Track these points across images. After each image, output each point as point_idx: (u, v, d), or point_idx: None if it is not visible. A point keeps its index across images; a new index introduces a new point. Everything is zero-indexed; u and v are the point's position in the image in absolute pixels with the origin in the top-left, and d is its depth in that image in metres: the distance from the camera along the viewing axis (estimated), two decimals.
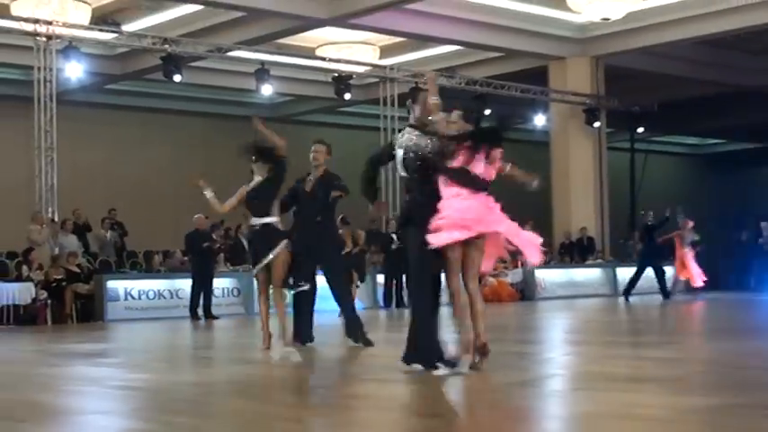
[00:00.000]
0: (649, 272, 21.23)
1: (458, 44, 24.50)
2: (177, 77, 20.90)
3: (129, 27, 21.88)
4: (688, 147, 41.13)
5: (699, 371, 7.89)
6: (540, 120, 27.61)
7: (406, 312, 19.63)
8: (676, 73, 27.54)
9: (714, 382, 7.06)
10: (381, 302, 21.81)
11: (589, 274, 25.80)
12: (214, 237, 20.25)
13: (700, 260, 22.19)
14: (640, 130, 28.92)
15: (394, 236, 21.59)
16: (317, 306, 11.20)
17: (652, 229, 21.62)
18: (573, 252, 25.99)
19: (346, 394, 7.13)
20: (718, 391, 6.53)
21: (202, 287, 19.03)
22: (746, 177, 38.87)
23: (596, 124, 26.15)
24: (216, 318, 18.72)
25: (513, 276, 24.41)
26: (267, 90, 23.36)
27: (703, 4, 22.32)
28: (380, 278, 22.09)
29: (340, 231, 18.33)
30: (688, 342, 11.30)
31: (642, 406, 5.98)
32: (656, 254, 21.67)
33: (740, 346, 10.21)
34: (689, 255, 21.42)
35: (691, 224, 22.02)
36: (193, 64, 23.48)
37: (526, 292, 24.35)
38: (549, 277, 25.18)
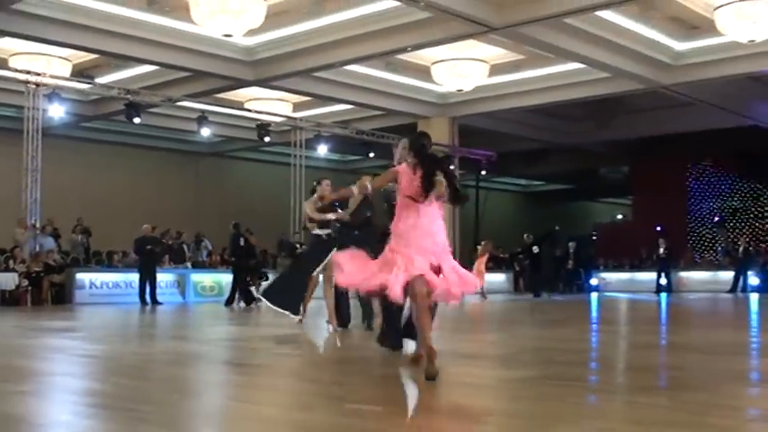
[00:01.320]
0: None
1: (351, 104, 24.61)
2: (137, 120, 20.60)
3: (100, 80, 21.54)
4: (519, 186, 41.89)
5: (517, 351, 8.05)
6: None
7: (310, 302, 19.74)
8: (512, 131, 28.08)
9: (526, 359, 7.21)
10: None
11: None
12: (163, 241, 20.05)
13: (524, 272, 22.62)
14: (483, 173, 29.39)
15: (299, 245, 21.70)
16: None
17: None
18: None
19: (255, 364, 7.12)
20: (528, 366, 6.68)
21: (147, 280, 18.79)
22: (560, 209, 39.80)
23: (451, 167, 26.40)
24: (160, 304, 18.47)
25: None
26: (206, 132, 23.20)
27: (533, 82, 22.80)
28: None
29: (242, 238, 18.51)
30: (513, 329, 11.51)
31: (474, 376, 6.09)
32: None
33: (548, 333, 10.46)
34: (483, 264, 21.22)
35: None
36: (150, 110, 23.16)
37: None
38: None
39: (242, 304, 17.79)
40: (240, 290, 18.30)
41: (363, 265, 5.94)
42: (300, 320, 10.35)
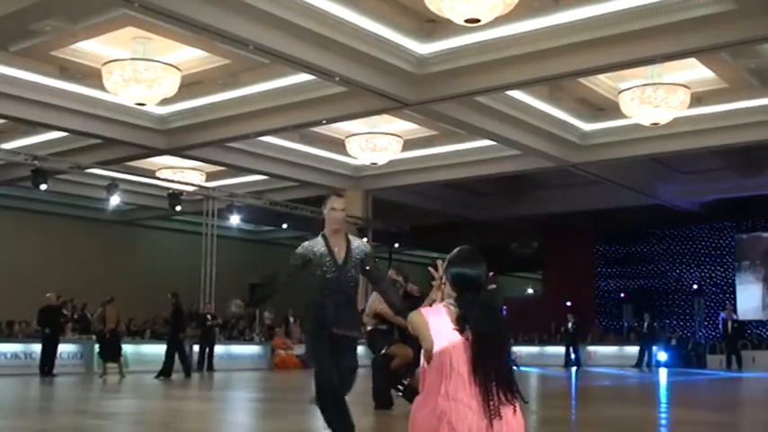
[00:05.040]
0: None
1: (264, 174, 24.55)
2: (43, 186, 20.09)
3: (6, 145, 21.02)
4: (430, 260, 41.87)
5: None
6: None
7: (216, 375, 19.45)
8: (425, 205, 28.37)
9: None
10: (196, 366, 21.39)
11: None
12: (64, 311, 19.49)
13: None
14: (396, 245, 29.50)
15: (209, 315, 21.40)
16: None
17: None
18: None
19: None
20: None
21: (51, 351, 18.23)
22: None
23: (365, 240, 26.48)
24: (55, 375, 17.86)
25: (298, 349, 24.36)
26: (115, 200, 22.73)
27: (445, 157, 23.11)
28: (196, 347, 21.79)
29: (100, 309, 18.28)
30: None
31: None
32: None
33: None
34: None
35: None
36: (58, 176, 22.70)
37: (307, 361, 24.26)
38: None
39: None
40: (181, 360, 18.39)
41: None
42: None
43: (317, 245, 6.00)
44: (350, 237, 6.17)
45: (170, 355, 18.21)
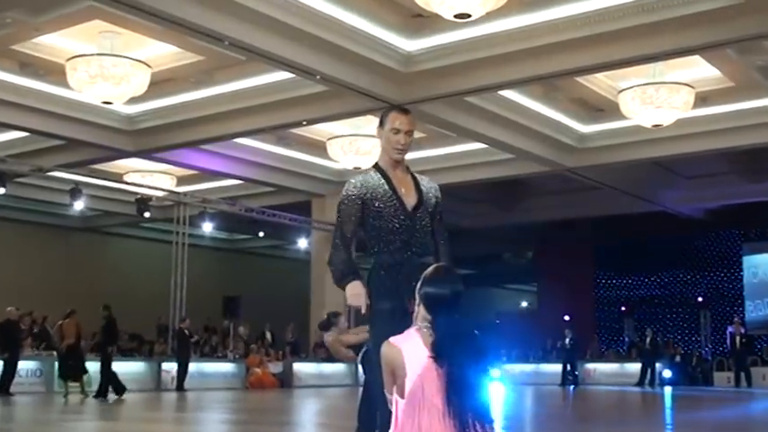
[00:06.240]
0: None
1: (239, 179, 24.55)
2: (2, 190, 20.06)
3: None
4: None
5: None
6: (303, 242, 27.87)
7: (187, 395, 19.37)
8: None
9: None
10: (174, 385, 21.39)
11: (336, 368, 25.88)
12: (21, 326, 19.37)
13: None
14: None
15: (187, 331, 21.38)
16: None
17: None
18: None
19: None
20: None
21: (11, 368, 18.13)
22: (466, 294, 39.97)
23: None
24: (11, 395, 17.75)
25: (275, 367, 24.36)
26: (79, 205, 22.72)
27: (434, 161, 23.11)
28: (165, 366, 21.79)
29: (60, 323, 18.12)
30: None
31: None
32: None
33: None
34: None
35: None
36: (17, 180, 22.63)
37: (285, 380, 24.30)
38: (304, 369, 25.18)
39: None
40: (111, 379, 17.80)
41: None
42: None
43: (372, 181, 4.74)
44: (413, 173, 4.90)
45: (109, 372, 17.82)
